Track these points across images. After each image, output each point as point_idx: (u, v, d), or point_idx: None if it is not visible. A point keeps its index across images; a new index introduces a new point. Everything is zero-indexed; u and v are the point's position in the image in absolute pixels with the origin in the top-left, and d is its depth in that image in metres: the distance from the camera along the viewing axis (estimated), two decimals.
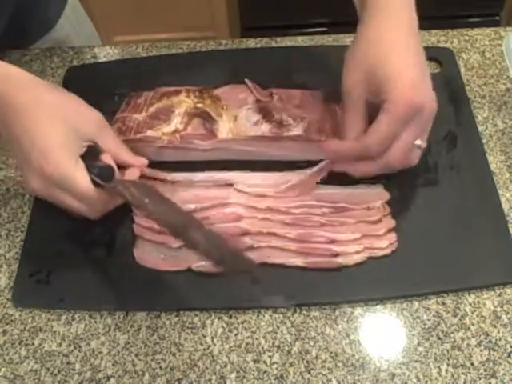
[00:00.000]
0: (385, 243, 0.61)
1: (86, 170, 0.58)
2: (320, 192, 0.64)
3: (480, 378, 0.54)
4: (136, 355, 0.57)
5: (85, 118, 0.60)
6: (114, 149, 0.62)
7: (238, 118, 0.66)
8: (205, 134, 0.65)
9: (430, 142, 0.69)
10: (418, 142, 0.60)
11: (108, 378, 0.55)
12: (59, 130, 0.57)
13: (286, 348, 0.57)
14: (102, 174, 0.58)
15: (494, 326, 0.57)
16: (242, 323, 0.58)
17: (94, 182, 0.58)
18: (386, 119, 0.57)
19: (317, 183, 0.65)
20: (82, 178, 0.57)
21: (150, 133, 0.65)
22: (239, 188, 0.64)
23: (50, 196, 0.59)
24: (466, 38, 0.81)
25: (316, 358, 0.56)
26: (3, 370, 0.56)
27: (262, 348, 0.57)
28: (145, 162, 0.64)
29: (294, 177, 0.65)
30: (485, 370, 0.54)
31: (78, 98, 0.61)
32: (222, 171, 0.66)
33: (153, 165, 0.67)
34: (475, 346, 0.56)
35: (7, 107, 0.56)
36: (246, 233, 0.61)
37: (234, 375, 0.55)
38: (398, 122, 0.57)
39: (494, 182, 0.66)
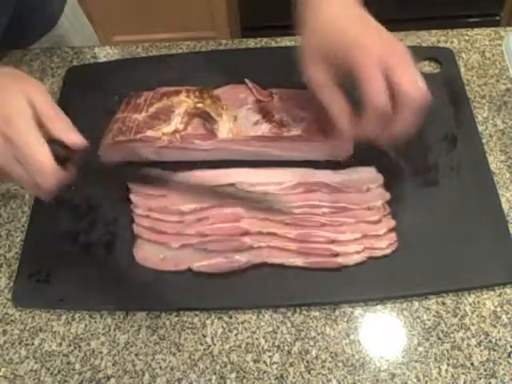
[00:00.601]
0: (385, 243, 0.61)
1: (46, 143, 0.52)
2: (317, 177, 0.65)
3: (480, 378, 0.54)
4: (136, 355, 0.57)
5: (36, 89, 0.55)
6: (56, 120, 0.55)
7: (238, 118, 0.66)
8: (205, 134, 0.65)
9: (430, 142, 0.69)
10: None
11: (108, 378, 0.55)
12: (20, 100, 0.53)
13: (286, 348, 0.57)
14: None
15: (494, 326, 0.57)
16: (242, 323, 0.58)
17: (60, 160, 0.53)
18: (366, 72, 0.54)
19: (311, 168, 0.66)
20: (43, 150, 0.51)
21: (149, 133, 0.65)
22: (241, 188, 0.64)
23: (4, 165, 0.52)
24: (466, 37, 0.81)
25: (316, 358, 0.56)
26: (3, 369, 0.56)
27: (262, 348, 0.57)
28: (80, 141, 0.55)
29: (297, 174, 0.65)
30: (485, 370, 0.54)
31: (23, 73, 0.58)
32: (226, 168, 0.66)
33: (153, 165, 0.67)
34: (475, 346, 0.56)
35: None
36: (245, 233, 0.61)
37: (234, 375, 0.55)
38: (377, 64, 0.54)
39: (494, 182, 0.66)
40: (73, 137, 0.54)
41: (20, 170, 0.52)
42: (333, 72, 0.59)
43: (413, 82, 0.55)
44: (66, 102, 0.72)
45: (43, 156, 0.51)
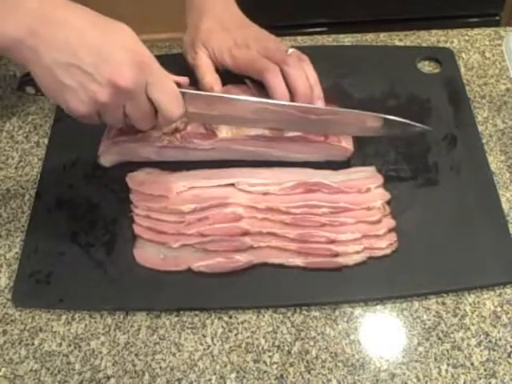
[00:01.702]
0: (385, 243, 0.61)
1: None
2: (317, 177, 0.65)
3: (480, 378, 0.54)
4: (136, 355, 0.57)
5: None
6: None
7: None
8: (205, 134, 0.65)
9: (430, 142, 0.69)
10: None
11: (108, 378, 0.55)
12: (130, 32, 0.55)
13: (286, 348, 0.57)
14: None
15: (494, 326, 0.57)
16: (242, 323, 0.58)
17: None
18: (270, 77, 0.63)
19: (310, 168, 0.66)
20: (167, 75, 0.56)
21: (149, 132, 0.65)
22: (242, 188, 0.64)
23: (117, 104, 0.54)
24: (466, 38, 0.81)
25: (316, 357, 0.56)
26: (3, 369, 0.56)
27: (262, 348, 0.57)
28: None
29: (297, 174, 0.66)
30: (485, 370, 0.54)
31: None
32: (226, 168, 0.66)
33: (153, 165, 0.67)
34: (475, 346, 0.56)
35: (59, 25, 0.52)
36: (245, 233, 0.61)
37: (233, 375, 0.55)
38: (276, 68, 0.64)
39: (494, 182, 0.66)
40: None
41: (143, 98, 0.55)
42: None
43: (301, 76, 0.64)
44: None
45: (175, 86, 0.57)
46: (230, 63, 0.67)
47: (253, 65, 0.65)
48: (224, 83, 0.70)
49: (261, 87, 0.65)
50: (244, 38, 0.67)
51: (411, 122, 0.64)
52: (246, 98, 0.62)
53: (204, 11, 0.70)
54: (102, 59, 0.51)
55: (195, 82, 0.68)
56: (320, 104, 0.64)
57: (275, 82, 0.63)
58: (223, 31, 0.68)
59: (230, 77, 0.72)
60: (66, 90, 0.52)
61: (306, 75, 0.64)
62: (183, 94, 0.57)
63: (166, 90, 0.56)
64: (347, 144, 0.66)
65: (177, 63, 0.76)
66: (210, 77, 0.68)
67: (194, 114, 0.60)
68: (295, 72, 0.63)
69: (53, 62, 0.50)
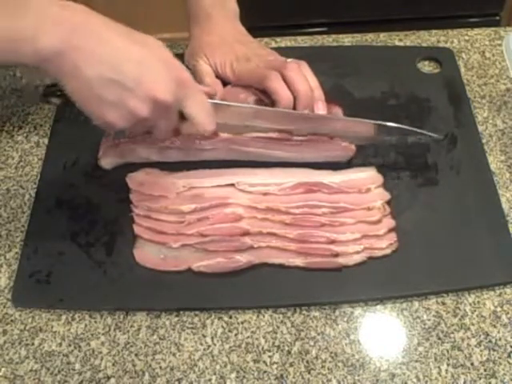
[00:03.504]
0: (385, 243, 0.61)
1: None
2: (317, 177, 0.65)
3: (480, 378, 0.54)
4: (136, 355, 0.57)
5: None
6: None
7: None
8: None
9: (430, 142, 0.69)
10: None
11: (108, 378, 0.55)
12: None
13: (286, 348, 0.57)
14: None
15: (494, 326, 0.57)
16: (242, 323, 0.58)
17: None
18: (274, 86, 0.64)
19: (310, 168, 0.66)
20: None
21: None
22: (242, 188, 0.64)
23: (154, 118, 0.54)
24: (466, 38, 0.81)
25: (316, 357, 0.56)
26: (3, 370, 0.56)
27: (262, 348, 0.57)
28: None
29: (298, 174, 0.66)
30: (485, 370, 0.54)
31: None
32: (226, 168, 0.66)
33: (153, 165, 0.67)
34: (475, 346, 0.56)
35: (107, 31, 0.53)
36: (245, 233, 0.61)
37: (234, 375, 0.55)
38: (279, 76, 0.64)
39: (494, 182, 0.66)
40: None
41: (176, 111, 0.56)
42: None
43: (301, 79, 0.64)
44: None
45: (208, 101, 0.58)
46: (231, 76, 0.68)
47: (254, 75, 0.66)
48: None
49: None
50: (245, 52, 0.68)
51: (413, 129, 0.65)
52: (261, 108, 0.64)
53: (207, 26, 0.72)
54: (144, 74, 0.52)
55: None
56: (321, 106, 0.64)
57: (277, 86, 0.63)
58: (225, 46, 0.70)
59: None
60: (105, 104, 0.52)
61: (306, 78, 0.64)
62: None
63: (202, 104, 0.57)
64: (348, 144, 0.66)
65: None
66: (209, 79, 0.69)
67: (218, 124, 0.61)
68: (295, 75, 0.64)
69: (94, 76, 0.50)
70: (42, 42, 0.49)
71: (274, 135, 0.65)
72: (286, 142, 0.65)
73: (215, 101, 0.60)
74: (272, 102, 0.64)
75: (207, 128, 0.58)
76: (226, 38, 0.71)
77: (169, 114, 0.56)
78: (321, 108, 0.64)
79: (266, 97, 0.66)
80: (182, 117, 0.57)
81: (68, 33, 0.50)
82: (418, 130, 0.65)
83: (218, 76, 0.70)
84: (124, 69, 0.51)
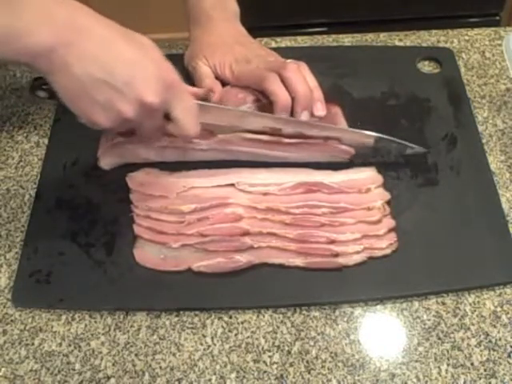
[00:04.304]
0: (385, 243, 0.61)
1: None
2: (317, 177, 0.65)
3: (480, 378, 0.54)
4: (136, 355, 0.57)
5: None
6: None
7: None
8: (204, 134, 0.65)
9: (430, 142, 0.69)
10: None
11: (108, 378, 0.55)
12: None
13: (286, 348, 0.57)
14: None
15: (494, 326, 0.57)
16: (242, 323, 0.58)
17: None
18: (272, 88, 0.64)
19: (309, 168, 0.66)
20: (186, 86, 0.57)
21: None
22: (242, 188, 0.64)
23: (141, 119, 0.54)
24: (466, 38, 0.81)
25: (316, 357, 0.56)
26: (3, 370, 0.56)
27: (262, 348, 0.57)
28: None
29: (297, 174, 0.66)
30: (485, 370, 0.54)
31: None
32: (226, 168, 0.66)
33: (153, 165, 0.67)
34: (475, 346, 0.56)
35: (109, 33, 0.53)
36: (245, 233, 0.61)
37: (234, 375, 0.55)
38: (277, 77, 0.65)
39: (494, 182, 0.66)
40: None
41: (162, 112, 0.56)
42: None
43: (300, 80, 0.64)
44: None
45: (195, 104, 0.57)
46: (231, 77, 0.69)
47: (252, 76, 0.66)
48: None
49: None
50: (244, 54, 0.69)
51: (403, 142, 0.66)
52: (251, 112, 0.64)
53: (208, 28, 0.72)
54: (135, 77, 0.52)
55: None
56: (320, 106, 0.65)
57: (275, 87, 0.63)
58: (224, 47, 0.70)
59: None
60: (92, 104, 0.52)
61: (305, 79, 0.64)
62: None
63: (187, 108, 0.57)
64: (348, 146, 0.66)
65: (177, 63, 0.76)
66: (208, 80, 0.69)
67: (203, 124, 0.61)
68: (294, 76, 0.64)
69: (83, 74, 0.50)
70: (34, 37, 0.48)
71: (265, 138, 0.65)
72: (276, 145, 0.65)
73: (201, 102, 0.60)
74: (270, 103, 0.64)
75: (190, 132, 0.57)
76: (226, 40, 0.71)
77: (155, 116, 0.55)
78: (320, 109, 0.64)
79: (264, 97, 0.66)
80: (168, 117, 0.57)
81: (61, 29, 0.49)
82: (409, 144, 0.66)
83: (217, 77, 0.70)
84: (115, 70, 0.51)
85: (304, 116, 0.64)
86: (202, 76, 0.70)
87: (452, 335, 0.57)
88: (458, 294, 0.59)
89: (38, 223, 0.65)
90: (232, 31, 0.72)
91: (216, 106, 0.63)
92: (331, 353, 0.56)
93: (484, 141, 0.70)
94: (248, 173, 0.66)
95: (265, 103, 0.66)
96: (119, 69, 0.51)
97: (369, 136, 0.65)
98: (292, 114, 0.64)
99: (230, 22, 0.73)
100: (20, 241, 0.64)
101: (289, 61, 0.66)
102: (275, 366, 0.56)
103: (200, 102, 0.59)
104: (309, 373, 0.55)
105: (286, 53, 0.69)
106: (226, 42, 0.70)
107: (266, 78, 0.64)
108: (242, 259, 0.60)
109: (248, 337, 0.57)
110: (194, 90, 0.60)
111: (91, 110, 0.52)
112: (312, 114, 0.65)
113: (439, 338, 0.56)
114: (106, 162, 0.67)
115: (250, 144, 0.65)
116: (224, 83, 0.70)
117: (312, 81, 0.65)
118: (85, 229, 0.64)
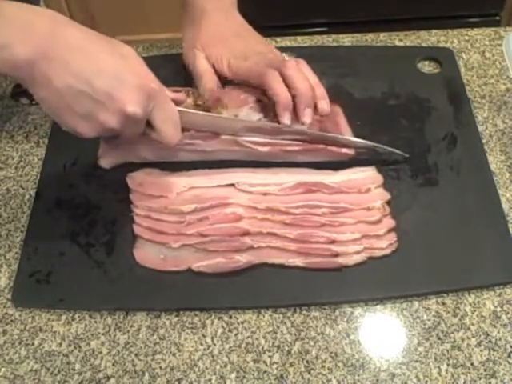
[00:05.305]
0: (385, 243, 0.61)
1: None
2: (317, 177, 0.65)
3: (480, 378, 0.54)
4: (136, 355, 0.57)
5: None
6: None
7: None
8: (205, 135, 0.65)
9: (430, 142, 0.69)
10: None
11: (108, 378, 0.55)
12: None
13: (286, 348, 0.57)
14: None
15: (494, 326, 0.57)
16: (242, 323, 0.58)
17: None
18: (271, 82, 0.63)
19: (309, 168, 0.66)
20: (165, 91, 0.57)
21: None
22: (242, 188, 0.64)
23: (123, 128, 0.55)
24: (466, 38, 0.81)
25: (316, 358, 0.56)
26: (3, 370, 0.56)
27: (262, 348, 0.57)
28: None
29: (297, 174, 0.66)
30: (485, 370, 0.54)
31: None
32: (226, 168, 0.66)
33: (153, 165, 0.67)
34: (475, 346, 0.56)
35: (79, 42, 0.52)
36: (245, 233, 0.61)
37: (234, 375, 0.55)
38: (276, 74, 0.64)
39: (494, 182, 0.66)
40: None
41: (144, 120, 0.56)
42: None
43: (300, 77, 0.63)
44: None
45: (176, 113, 0.57)
46: (228, 73, 0.68)
47: (251, 73, 0.66)
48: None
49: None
50: (243, 49, 0.68)
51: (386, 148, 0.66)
52: (233, 119, 0.64)
53: (203, 22, 0.71)
54: (116, 88, 0.52)
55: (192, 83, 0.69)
56: (324, 104, 0.64)
57: (275, 84, 0.63)
58: (222, 42, 0.69)
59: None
60: (74, 115, 0.52)
61: (305, 76, 0.64)
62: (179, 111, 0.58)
63: (168, 118, 0.57)
64: (348, 149, 0.66)
65: (177, 63, 0.76)
66: (208, 76, 0.68)
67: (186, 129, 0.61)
68: (294, 73, 0.63)
69: (64, 87, 0.50)
70: (13, 49, 0.48)
71: (265, 149, 0.65)
72: (279, 152, 0.65)
73: (183, 109, 0.60)
74: (273, 103, 0.64)
75: (171, 140, 0.57)
76: (222, 34, 0.69)
77: (137, 125, 0.55)
78: (324, 106, 0.64)
79: (266, 98, 0.66)
80: (150, 124, 0.57)
81: (41, 41, 0.49)
82: (391, 150, 0.66)
83: (215, 72, 0.69)
84: (96, 82, 0.51)
85: (307, 114, 0.63)
86: (200, 71, 0.69)
87: (452, 335, 0.57)
88: (457, 294, 0.59)
89: (38, 223, 0.65)
90: (229, 23, 0.71)
91: (196, 113, 0.62)
92: (331, 353, 0.56)
93: (484, 141, 0.70)
94: (248, 173, 0.66)
95: (267, 104, 0.66)
96: (100, 81, 0.51)
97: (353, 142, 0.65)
98: (294, 111, 0.63)
99: (226, 12, 0.72)
100: (20, 241, 0.64)
101: (287, 58, 0.66)
102: (275, 366, 0.56)
103: (182, 109, 0.59)
104: (309, 373, 0.55)
105: (285, 53, 0.69)
106: (223, 36, 0.69)
107: (265, 73, 0.63)
108: (242, 259, 0.60)
109: (248, 337, 0.57)
110: (176, 95, 0.59)
111: (73, 121, 0.53)
112: (316, 112, 0.64)
113: (439, 338, 0.56)
114: (107, 161, 0.67)
115: (250, 151, 0.65)
116: (222, 78, 0.69)
117: (313, 78, 0.65)
118: (85, 229, 0.64)
